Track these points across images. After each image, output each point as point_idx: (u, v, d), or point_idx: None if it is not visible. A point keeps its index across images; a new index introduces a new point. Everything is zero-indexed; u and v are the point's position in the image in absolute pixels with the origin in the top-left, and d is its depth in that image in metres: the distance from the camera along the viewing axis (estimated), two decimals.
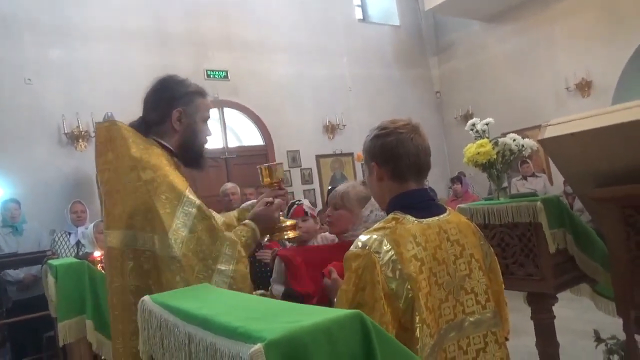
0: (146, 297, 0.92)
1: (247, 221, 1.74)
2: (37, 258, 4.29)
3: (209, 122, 1.79)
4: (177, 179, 1.57)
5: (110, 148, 1.63)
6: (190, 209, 1.51)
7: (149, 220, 1.49)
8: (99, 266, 2.95)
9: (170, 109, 1.67)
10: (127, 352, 1.52)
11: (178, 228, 1.47)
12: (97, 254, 3.21)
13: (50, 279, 2.83)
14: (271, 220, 1.78)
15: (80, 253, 4.56)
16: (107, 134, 1.64)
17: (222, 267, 1.52)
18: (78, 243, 4.90)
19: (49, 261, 3.08)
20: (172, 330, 0.79)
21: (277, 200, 1.79)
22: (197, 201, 1.54)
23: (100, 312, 2.63)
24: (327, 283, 1.65)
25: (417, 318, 1.15)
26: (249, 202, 2.02)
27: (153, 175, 1.52)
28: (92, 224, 4.40)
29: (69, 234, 4.99)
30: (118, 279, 1.55)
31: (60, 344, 2.76)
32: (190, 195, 1.54)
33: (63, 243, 4.92)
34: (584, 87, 7.55)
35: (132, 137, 1.61)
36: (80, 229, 4.95)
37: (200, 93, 1.74)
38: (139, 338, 0.92)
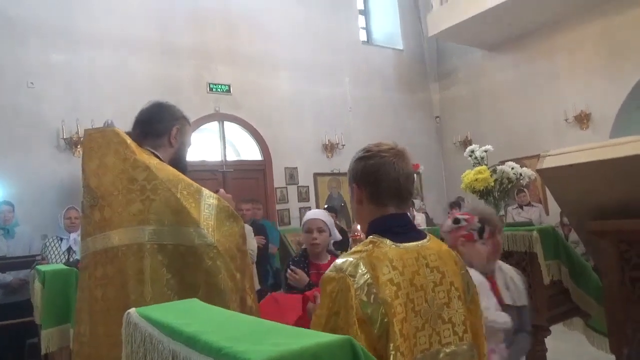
0: (132, 310, 0.89)
1: None
2: (27, 262, 4.24)
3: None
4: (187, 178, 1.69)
5: (108, 152, 1.69)
6: (211, 201, 1.65)
7: (176, 215, 1.58)
8: None
9: (171, 125, 1.82)
10: None
11: (207, 218, 1.59)
12: None
13: (37, 285, 2.78)
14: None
15: (71, 260, 4.50)
16: (101, 140, 1.72)
17: (246, 247, 1.70)
18: (69, 249, 4.83)
19: (37, 266, 3.04)
20: (156, 346, 0.77)
21: None
22: (214, 194, 1.68)
23: None
24: (310, 308, 1.62)
25: (391, 345, 1.11)
26: None
27: (167, 174, 1.63)
28: None
29: (61, 239, 4.92)
30: (135, 275, 1.56)
31: (43, 352, 2.71)
32: (206, 189, 1.68)
33: (54, 248, 4.85)
34: (583, 119, 7.60)
35: (132, 142, 1.70)
36: (73, 235, 4.88)
37: (188, 121, 1.92)
38: (122, 352, 0.90)
